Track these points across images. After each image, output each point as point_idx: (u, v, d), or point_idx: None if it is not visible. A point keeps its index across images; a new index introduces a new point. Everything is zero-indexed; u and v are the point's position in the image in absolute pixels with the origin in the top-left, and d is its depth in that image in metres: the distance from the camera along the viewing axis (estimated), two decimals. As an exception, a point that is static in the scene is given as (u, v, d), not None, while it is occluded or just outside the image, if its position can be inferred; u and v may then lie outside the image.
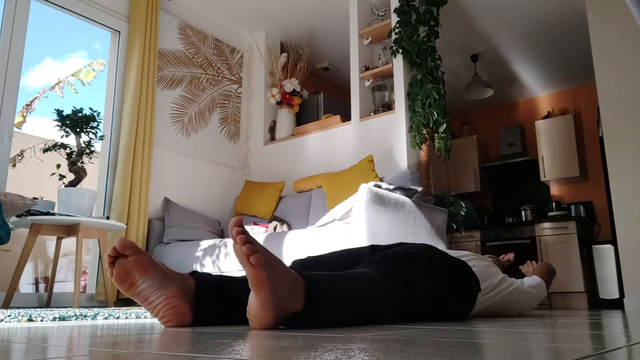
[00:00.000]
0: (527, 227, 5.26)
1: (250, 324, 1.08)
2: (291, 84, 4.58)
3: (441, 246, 3.08)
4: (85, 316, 1.73)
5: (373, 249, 1.56)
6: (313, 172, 4.15)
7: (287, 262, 1.52)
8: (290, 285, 1.04)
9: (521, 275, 2.23)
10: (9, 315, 1.64)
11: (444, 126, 3.58)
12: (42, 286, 4.67)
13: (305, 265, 1.46)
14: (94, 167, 3.48)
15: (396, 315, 1.30)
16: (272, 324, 1.04)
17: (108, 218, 3.22)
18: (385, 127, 3.80)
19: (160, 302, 1.17)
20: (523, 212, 5.57)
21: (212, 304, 1.24)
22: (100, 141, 3.33)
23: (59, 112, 2.97)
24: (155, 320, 1.70)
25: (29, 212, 2.74)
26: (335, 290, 1.13)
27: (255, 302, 1.03)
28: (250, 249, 0.99)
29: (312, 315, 1.07)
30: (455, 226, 3.55)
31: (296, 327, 1.10)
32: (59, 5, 3.61)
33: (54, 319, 1.62)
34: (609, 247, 4.84)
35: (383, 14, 4.26)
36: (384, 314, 1.26)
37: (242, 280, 1.26)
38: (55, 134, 3.01)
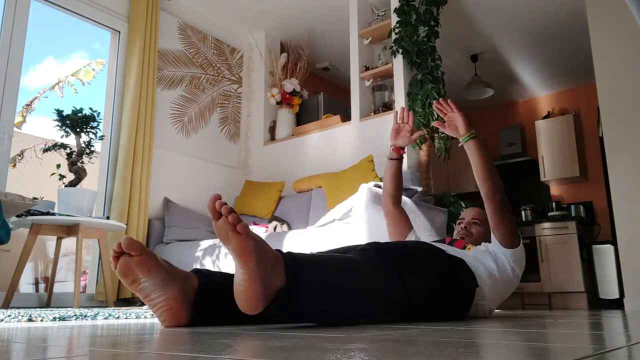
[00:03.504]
0: (527, 227, 5.26)
1: (239, 306, 1.08)
2: (291, 84, 4.58)
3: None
4: (85, 316, 1.73)
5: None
6: (313, 172, 4.15)
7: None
8: (272, 260, 1.06)
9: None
10: (9, 315, 1.64)
11: (444, 126, 3.58)
12: (42, 286, 4.67)
13: None
14: (94, 167, 3.48)
15: (388, 308, 1.30)
16: (261, 300, 1.04)
17: (108, 218, 3.22)
18: (386, 127, 3.80)
19: (160, 301, 1.19)
20: (523, 212, 5.57)
21: (212, 306, 1.26)
22: (100, 141, 3.33)
23: (59, 112, 2.97)
24: (156, 320, 1.70)
25: (29, 212, 2.74)
26: (316, 266, 1.14)
27: (242, 276, 1.04)
28: (236, 218, 1.00)
29: (295, 290, 1.08)
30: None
31: (282, 309, 1.10)
32: (59, 5, 3.61)
33: (54, 319, 1.62)
34: (609, 247, 4.84)
35: (383, 14, 4.25)
36: (374, 302, 1.25)
37: None
38: (55, 134, 3.01)
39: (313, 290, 1.12)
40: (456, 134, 1.80)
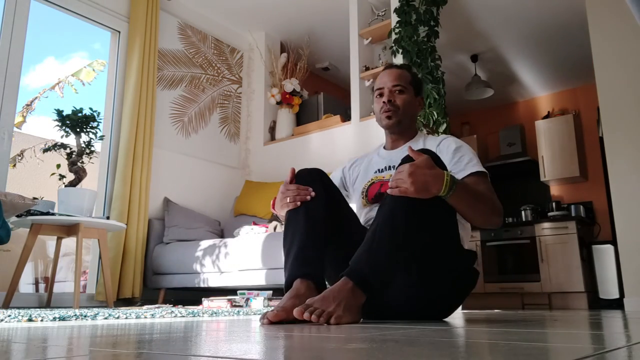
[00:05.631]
0: (527, 227, 5.26)
1: None
2: (291, 84, 4.58)
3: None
4: (85, 316, 1.73)
5: None
6: (313, 172, 4.14)
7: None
8: (350, 300, 1.25)
9: None
10: (9, 315, 1.64)
11: (444, 126, 3.58)
12: (42, 286, 4.67)
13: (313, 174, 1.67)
14: (94, 167, 3.48)
15: (407, 249, 1.36)
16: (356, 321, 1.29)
17: (108, 218, 3.22)
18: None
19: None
20: (523, 212, 5.57)
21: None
22: (100, 141, 3.33)
23: (59, 112, 2.97)
24: (155, 320, 1.70)
25: (29, 212, 2.74)
26: (372, 265, 1.29)
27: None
28: (317, 319, 1.19)
29: (375, 294, 1.30)
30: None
31: (373, 308, 1.42)
32: (58, 5, 3.61)
33: (54, 319, 1.62)
34: (609, 247, 4.84)
35: (383, 14, 4.25)
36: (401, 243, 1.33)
37: (313, 244, 1.48)
38: (55, 134, 3.01)
39: (381, 280, 1.31)
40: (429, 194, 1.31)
